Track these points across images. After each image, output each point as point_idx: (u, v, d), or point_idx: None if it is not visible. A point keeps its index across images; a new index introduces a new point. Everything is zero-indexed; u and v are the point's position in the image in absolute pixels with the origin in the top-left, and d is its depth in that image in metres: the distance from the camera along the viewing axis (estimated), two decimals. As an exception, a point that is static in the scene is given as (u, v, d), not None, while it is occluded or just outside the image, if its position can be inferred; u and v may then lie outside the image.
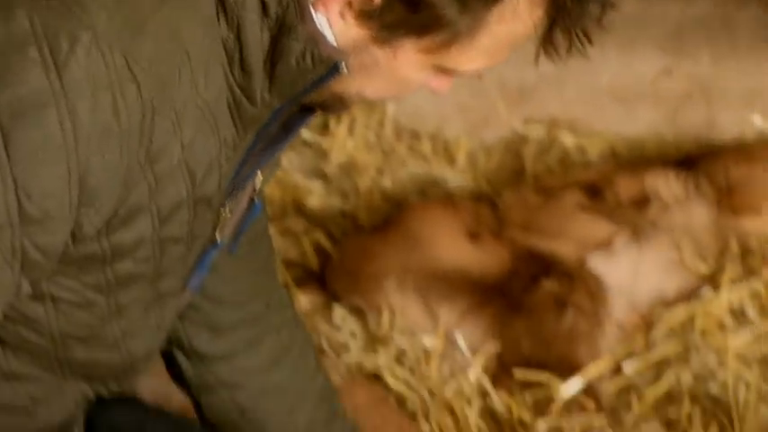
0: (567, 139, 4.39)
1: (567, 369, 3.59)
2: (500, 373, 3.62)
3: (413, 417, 3.38)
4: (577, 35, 1.89)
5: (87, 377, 2.22)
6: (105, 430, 2.40)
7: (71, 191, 1.82)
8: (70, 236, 1.89)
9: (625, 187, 3.93)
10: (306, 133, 4.31)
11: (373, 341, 3.60)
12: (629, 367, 3.72)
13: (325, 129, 4.37)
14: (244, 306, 2.43)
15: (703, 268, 3.85)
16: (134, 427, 2.46)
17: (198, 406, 2.50)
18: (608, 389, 3.67)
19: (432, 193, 4.17)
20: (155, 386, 3.01)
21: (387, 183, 4.20)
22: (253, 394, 2.46)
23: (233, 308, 2.42)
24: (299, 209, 4.11)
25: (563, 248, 3.76)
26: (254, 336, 2.45)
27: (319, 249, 3.90)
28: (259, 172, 2.14)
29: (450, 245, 3.74)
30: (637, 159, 4.27)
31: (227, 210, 2.11)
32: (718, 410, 3.47)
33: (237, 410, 2.46)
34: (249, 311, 2.43)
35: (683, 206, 3.92)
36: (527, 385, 3.53)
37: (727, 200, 3.95)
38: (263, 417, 2.48)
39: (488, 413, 3.49)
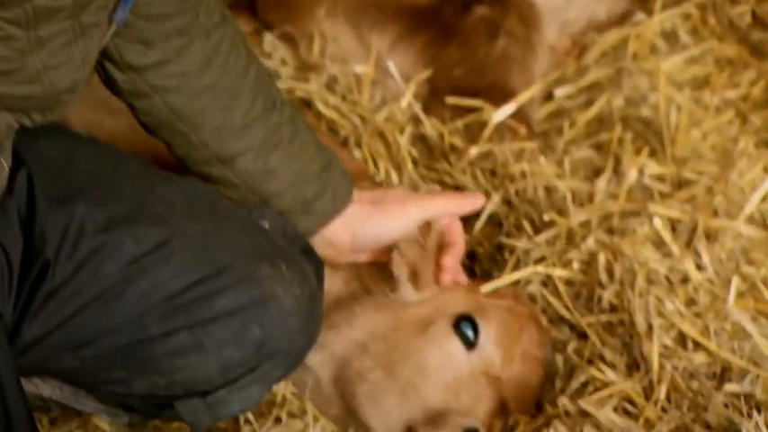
0: None
1: (499, 95, 3.58)
2: (432, 100, 3.61)
3: (344, 143, 3.37)
4: None
5: (9, 108, 2.19)
6: (35, 158, 2.38)
7: None
8: None
9: None
10: None
11: (304, 68, 3.56)
12: (561, 92, 3.72)
13: None
14: (174, 18, 2.40)
15: (636, -7, 3.82)
16: (66, 154, 2.45)
17: (133, 109, 2.51)
18: (539, 114, 3.68)
19: None
20: (86, 116, 2.98)
21: None
22: (185, 97, 2.47)
23: (163, 21, 2.39)
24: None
25: (496, -27, 3.70)
26: (185, 43, 2.44)
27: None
28: None
29: (382, -30, 3.68)
30: None
31: None
32: (650, 133, 3.50)
33: (171, 113, 2.47)
34: (179, 22, 2.41)
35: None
36: (459, 112, 3.53)
37: None
38: (198, 117, 2.49)
39: (420, 140, 3.49)
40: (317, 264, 2.61)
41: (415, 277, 2.80)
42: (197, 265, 2.38)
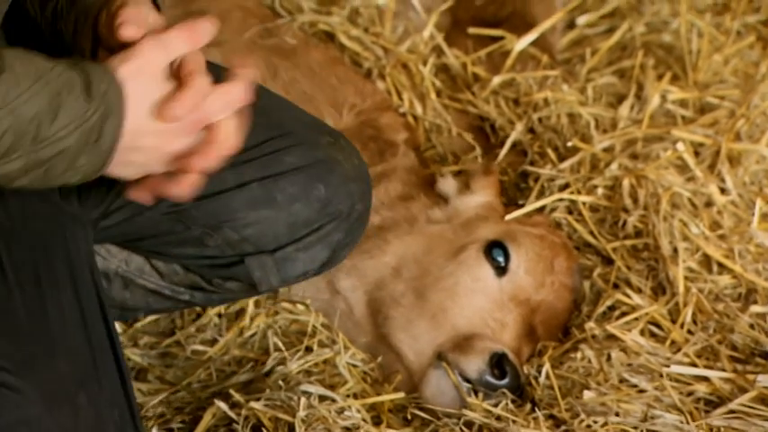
0: None
1: (521, 24, 3.58)
2: (454, 30, 3.62)
3: (368, 75, 3.39)
4: None
5: None
6: None
7: None
8: None
9: None
10: None
11: (326, 1, 3.56)
12: (583, 20, 3.73)
13: None
14: None
15: None
16: None
17: None
18: (561, 42, 3.69)
19: None
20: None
21: None
22: None
23: None
24: None
25: None
26: None
27: None
28: None
29: None
30: None
31: None
32: (672, 59, 3.51)
33: None
34: None
35: None
36: (481, 42, 3.54)
37: None
38: None
39: (443, 70, 3.50)
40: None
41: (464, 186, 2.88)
42: (264, 127, 2.43)
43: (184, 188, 2.16)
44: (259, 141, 2.43)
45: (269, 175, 2.44)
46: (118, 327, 2.95)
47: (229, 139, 2.15)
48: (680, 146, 3.06)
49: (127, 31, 2.13)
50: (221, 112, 2.14)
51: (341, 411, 2.60)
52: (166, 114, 2.08)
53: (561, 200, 3.06)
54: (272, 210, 2.45)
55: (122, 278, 2.62)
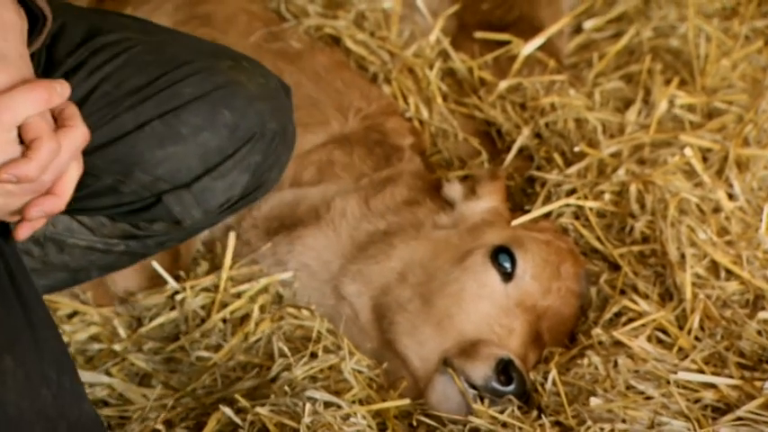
0: None
1: (527, 29, 3.58)
2: (460, 34, 3.62)
3: (374, 79, 3.38)
4: None
5: None
6: None
7: None
8: None
9: None
10: None
11: (333, 5, 3.56)
12: (590, 24, 3.72)
13: None
14: None
15: None
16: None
17: None
18: (569, 47, 3.68)
19: None
20: None
21: None
22: None
23: None
24: None
25: None
26: None
27: None
28: None
29: None
30: None
31: None
32: (679, 64, 3.50)
33: None
34: None
35: None
36: (488, 46, 3.53)
37: None
38: None
39: (449, 74, 3.50)
40: (281, 81, 2.60)
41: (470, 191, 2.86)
42: (157, 64, 2.42)
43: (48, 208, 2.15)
44: (152, 78, 2.40)
45: (168, 110, 2.40)
46: (122, 332, 2.97)
47: (69, 191, 2.16)
48: (687, 151, 3.05)
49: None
50: (66, 167, 2.14)
51: (346, 417, 2.59)
52: (4, 180, 2.07)
53: (568, 205, 3.05)
54: (178, 144, 2.41)
55: (54, 241, 2.60)
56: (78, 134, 2.15)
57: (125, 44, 2.42)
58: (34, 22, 2.23)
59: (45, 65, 2.40)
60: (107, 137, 2.36)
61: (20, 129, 2.10)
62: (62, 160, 2.13)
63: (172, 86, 2.41)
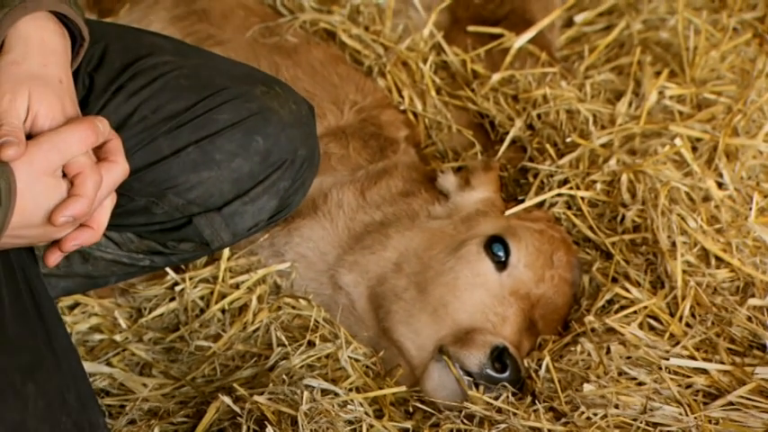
0: None
1: (519, 22, 3.61)
2: (453, 28, 3.64)
3: (368, 73, 3.41)
4: None
5: None
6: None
7: None
8: None
9: None
10: None
11: (327, 0, 3.58)
12: (580, 18, 3.75)
13: None
14: None
15: None
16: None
17: None
18: (560, 40, 3.71)
19: None
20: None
21: None
22: None
23: None
24: None
25: None
26: None
27: None
28: None
29: None
30: None
31: None
32: (669, 56, 3.53)
33: None
34: None
35: None
36: (480, 39, 3.56)
37: None
38: None
39: (443, 68, 3.52)
40: (309, 105, 2.65)
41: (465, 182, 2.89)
42: (194, 89, 2.46)
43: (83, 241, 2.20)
44: (190, 104, 2.45)
45: (204, 136, 2.45)
46: (122, 323, 2.99)
47: (105, 224, 2.20)
48: (678, 141, 3.08)
49: (6, 153, 2.10)
50: (104, 200, 2.19)
51: (343, 405, 2.62)
52: (56, 221, 2.12)
53: (560, 195, 3.08)
54: (212, 170, 2.47)
55: (80, 253, 2.65)
56: (119, 170, 2.20)
57: (162, 69, 2.47)
58: (74, 39, 2.28)
59: (88, 89, 2.44)
60: (144, 161, 2.40)
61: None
62: (102, 194, 2.18)
63: (207, 113, 2.46)
